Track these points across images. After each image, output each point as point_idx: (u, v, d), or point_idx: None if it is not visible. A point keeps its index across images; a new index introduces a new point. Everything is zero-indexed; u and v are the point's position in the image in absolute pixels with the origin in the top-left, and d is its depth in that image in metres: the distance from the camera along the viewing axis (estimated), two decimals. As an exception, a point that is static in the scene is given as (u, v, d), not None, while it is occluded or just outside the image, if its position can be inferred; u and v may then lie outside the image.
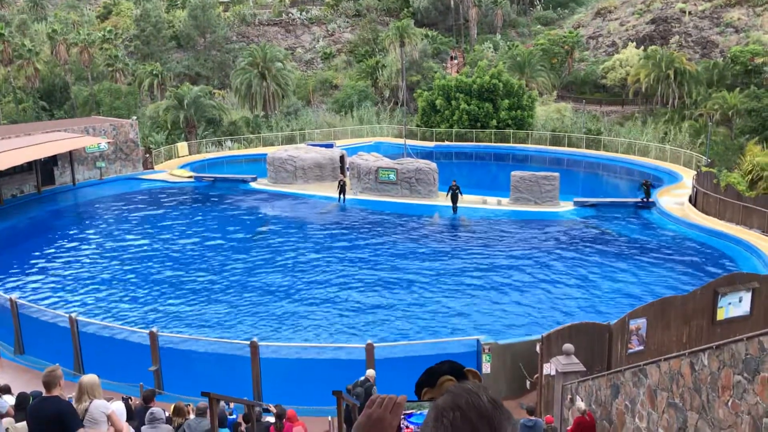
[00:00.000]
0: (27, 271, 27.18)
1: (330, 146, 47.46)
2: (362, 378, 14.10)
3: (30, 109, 61.66)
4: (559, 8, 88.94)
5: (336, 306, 23.05)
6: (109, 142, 43.65)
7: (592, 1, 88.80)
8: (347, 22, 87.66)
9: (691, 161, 44.08)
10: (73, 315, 17.86)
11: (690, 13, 71.36)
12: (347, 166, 41.64)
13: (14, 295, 20.04)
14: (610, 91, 66.61)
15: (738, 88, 54.60)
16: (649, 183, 36.23)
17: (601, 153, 50.36)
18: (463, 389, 1.89)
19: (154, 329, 16.95)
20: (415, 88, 64.82)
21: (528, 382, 16.09)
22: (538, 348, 15.34)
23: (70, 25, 79.92)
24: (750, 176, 40.77)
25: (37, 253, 29.27)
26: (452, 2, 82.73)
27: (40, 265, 27.94)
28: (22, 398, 10.13)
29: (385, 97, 69.55)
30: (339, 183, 37.96)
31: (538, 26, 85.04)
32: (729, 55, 60.75)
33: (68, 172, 42.55)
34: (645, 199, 35.32)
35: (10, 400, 10.88)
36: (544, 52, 68.57)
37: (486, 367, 16.05)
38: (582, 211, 34.81)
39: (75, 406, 7.01)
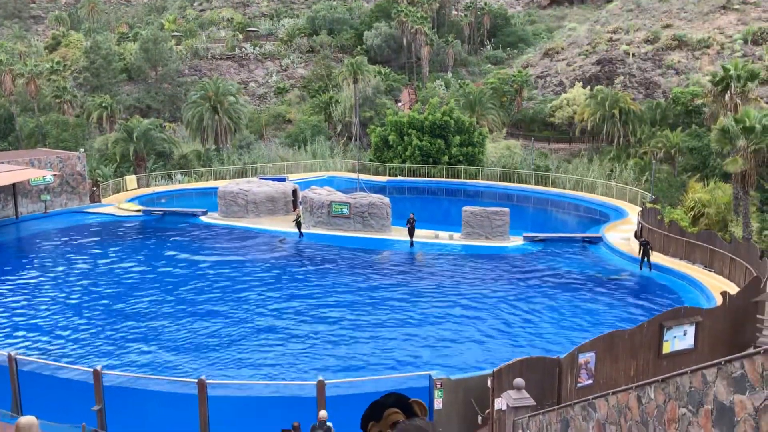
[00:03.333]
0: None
1: (282, 180, 47.31)
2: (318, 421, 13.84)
3: (-28, 141, 60.03)
4: (508, 48, 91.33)
5: (288, 342, 22.73)
6: (55, 175, 42.63)
7: (540, 41, 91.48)
8: (301, 57, 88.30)
9: (636, 198, 45.29)
10: (12, 353, 17.19)
11: (634, 55, 74.06)
12: (300, 200, 41.50)
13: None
14: (558, 129, 68.33)
15: (680, 128, 56.61)
16: (648, 245, 30.45)
17: (550, 189, 51.41)
18: (413, 426, 1.88)
19: (98, 367, 16.42)
20: (369, 124, 65.36)
21: (480, 418, 16.05)
22: (489, 383, 15.36)
23: (17, 55, 78.48)
24: (692, 212, 42.06)
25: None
26: (405, 41, 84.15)
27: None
28: (-46, 442, 9.67)
29: (338, 132, 69.92)
30: (296, 218, 37.75)
31: (488, 65, 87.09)
32: (671, 96, 63.08)
33: (11, 205, 41.32)
34: (647, 263, 30.18)
35: (-59, 443, 10.36)
36: (494, 90, 70.14)
37: (438, 403, 15.97)
38: (531, 245, 35.30)
39: (10, 449, 6.71)
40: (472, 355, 21.63)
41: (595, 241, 35.79)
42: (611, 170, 54.24)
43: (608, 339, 16.55)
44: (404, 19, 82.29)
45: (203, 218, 41.92)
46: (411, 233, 34.89)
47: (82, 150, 48.58)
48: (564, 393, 15.76)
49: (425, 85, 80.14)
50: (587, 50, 79.14)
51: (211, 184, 50.92)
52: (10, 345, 21.27)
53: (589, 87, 67.79)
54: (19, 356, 17.40)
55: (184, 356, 21.58)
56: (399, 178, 55.35)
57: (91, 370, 16.37)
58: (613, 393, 9.73)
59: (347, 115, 68.68)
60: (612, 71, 73.25)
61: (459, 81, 78.18)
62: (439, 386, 16.02)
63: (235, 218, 41.04)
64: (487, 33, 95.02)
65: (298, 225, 37.40)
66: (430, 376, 16.55)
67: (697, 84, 63.70)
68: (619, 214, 42.65)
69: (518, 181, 53.26)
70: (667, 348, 17.08)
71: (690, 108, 60.18)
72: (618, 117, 58.21)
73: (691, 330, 17.41)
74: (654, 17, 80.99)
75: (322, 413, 14.11)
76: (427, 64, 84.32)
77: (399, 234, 36.22)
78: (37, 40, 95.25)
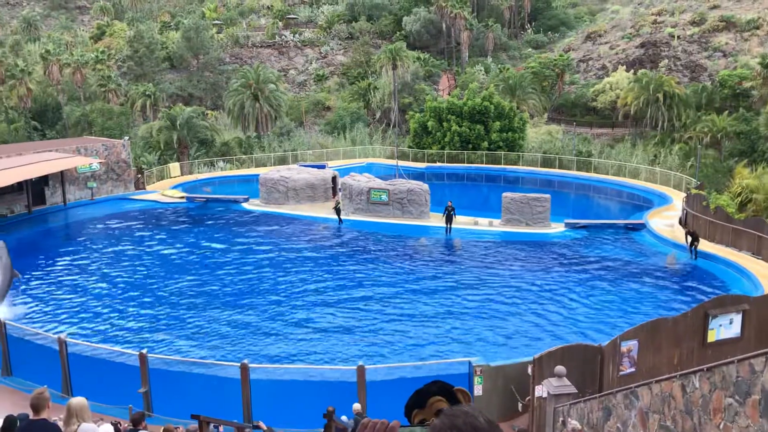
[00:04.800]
0: (16, 292, 26.95)
1: (322, 167, 47.54)
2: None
3: (22, 129, 61.57)
4: (549, 32, 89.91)
5: (329, 327, 22.94)
6: (100, 163, 43.55)
7: (582, 25, 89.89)
8: (340, 44, 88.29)
9: (680, 183, 44.39)
10: (62, 336, 17.71)
11: (679, 37, 72.28)
12: (339, 187, 41.71)
13: (3, 316, 19.88)
14: (601, 114, 67.19)
15: (726, 111, 55.19)
16: (695, 234, 29.99)
17: (592, 175, 50.65)
18: (460, 410, 1.91)
19: (144, 351, 16.82)
20: (407, 110, 65.16)
21: (520, 405, 16.02)
22: (530, 370, 15.30)
23: (64, 45, 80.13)
24: (739, 198, 41.09)
25: (26, 274, 29.05)
26: (444, 25, 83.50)
27: (29, 285, 27.73)
28: (9, 421, 10.00)
29: (377, 119, 69.89)
30: (336, 205, 37.97)
31: (529, 49, 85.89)
32: (717, 79, 61.50)
33: (59, 192, 42.39)
34: (694, 250, 29.89)
35: (-4, 422, 10.73)
36: (535, 74, 69.21)
37: (478, 390, 15.98)
38: (573, 232, 34.91)
39: (63, 429, 6.94)
40: (512, 342, 21.56)
41: (638, 227, 35.20)
42: (655, 155, 53.20)
43: (651, 327, 16.31)
44: (443, 4, 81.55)
45: (245, 205, 42.44)
46: (449, 221, 34.76)
47: (127, 138, 49.45)
48: (605, 381, 15.61)
49: (465, 70, 79.49)
50: (631, 33, 77.49)
51: (253, 171, 51.43)
52: (60, 328, 21.91)
53: (632, 71, 66.45)
54: (68, 339, 17.93)
55: (225, 339, 21.96)
56: (438, 164, 55.13)
57: (137, 353, 16.78)
58: (657, 381, 9.62)
59: (386, 102, 68.58)
60: (656, 54, 71.61)
61: (499, 66, 77.33)
62: (479, 373, 16.02)
63: (276, 205, 41.46)
64: (528, 17, 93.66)
65: (338, 211, 37.60)
66: (470, 362, 16.56)
67: (745, 66, 61.94)
68: (663, 200, 41.85)
69: (559, 167, 52.60)
70: (712, 336, 16.75)
71: (737, 91, 58.60)
72: (662, 101, 56.99)
73: (737, 318, 17.04)
74: (701, -2, 78.86)
75: (356, 406, 14.15)
76: (466, 48, 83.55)
77: (438, 220, 36.14)
78: (83, 30, 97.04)
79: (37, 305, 25.49)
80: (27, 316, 23.83)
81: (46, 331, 20.20)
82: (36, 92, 64.25)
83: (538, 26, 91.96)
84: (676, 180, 45.42)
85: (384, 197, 37.98)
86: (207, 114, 66.81)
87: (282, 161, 55.15)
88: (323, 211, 39.61)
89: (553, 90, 71.43)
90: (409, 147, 58.35)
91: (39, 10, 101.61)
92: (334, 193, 42.15)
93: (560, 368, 14.22)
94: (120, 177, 45.51)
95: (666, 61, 70.08)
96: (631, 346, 15.84)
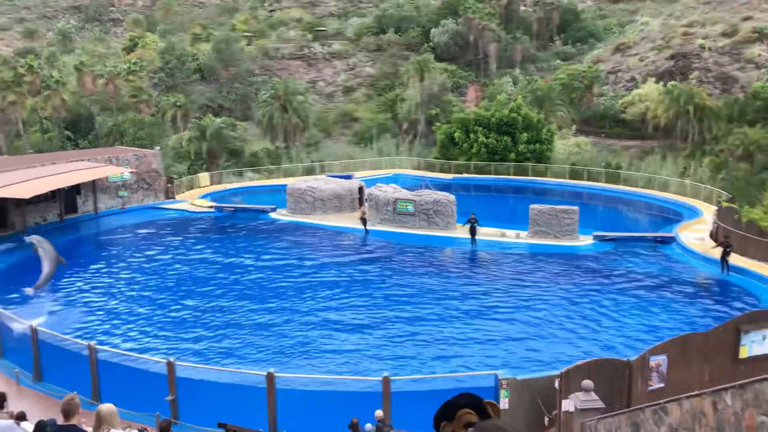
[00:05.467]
0: (47, 299, 27.39)
1: (349, 178, 47.72)
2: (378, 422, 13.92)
3: (55, 139, 62.75)
4: (578, 43, 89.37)
5: (353, 339, 22.95)
6: (131, 172, 44.17)
7: (611, 36, 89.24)
8: (368, 56, 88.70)
9: (711, 196, 43.73)
10: (92, 343, 17.94)
11: (710, 49, 71.39)
12: (366, 197, 41.83)
13: (34, 322, 20.20)
14: (630, 126, 66.49)
15: (759, 124, 54.31)
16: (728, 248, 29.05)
17: (621, 187, 50.14)
18: (492, 425, 1.91)
19: (172, 359, 16.97)
20: (434, 121, 65.18)
21: (546, 419, 15.85)
22: (557, 384, 15.15)
23: (97, 57, 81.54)
24: (772, 212, 40.32)
25: (57, 281, 29.52)
26: (472, 37, 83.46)
27: (60, 293, 28.16)
28: (39, 426, 10.14)
29: (404, 130, 70.00)
30: (362, 215, 38.08)
31: (558, 61, 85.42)
32: (750, 91, 60.57)
33: (91, 201, 43.07)
34: (726, 265, 29.21)
35: (27, 427, 10.89)
36: (564, 86, 68.76)
37: (504, 403, 15.86)
38: (602, 245, 34.56)
39: (92, 434, 7.03)
40: (539, 355, 21.37)
41: (668, 240, 34.74)
42: (685, 168, 52.52)
43: (681, 342, 16.08)
44: (472, 16, 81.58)
45: (272, 215, 42.73)
46: (473, 233, 34.63)
47: (158, 147, 50.11)
48: (634, 396, 15.40)
49: (492, 81, 79.33)
50: (661, 45, 76.70)
51: (281, 181, 51.77)
52: (90, 335, 22.18)
53: (662, 83, 65.75)
54: (98, 346, 18.16)
55: (251, 348, 22.07)
56: (465, 175, 55.02)
57: (165, 361, 16.92)
58: (687, 397, 9.47)
59: (413, 113, 68.68)
60: (686, 66, 70.76)
61: (527, 77, 77.06)
62: (505, 386, 15.90)
63: (303, 215, 41.68)
64: (557, 28, 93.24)
65: (364, 222, 37.68)
66: (496, 375, 16.45)
67: (778, 78, 60.99)
68: (694, 213, 41.26)
69: (588, 179, 52.16)
70: (744, 353, 16.45)
71: (771, 103, 57.63)
72: (693, 113, 56.30)
73: (770, 334, 16.70)
74: (733, 9, 77.83)
75: (378, 412, 14.16)
76: (494, 60, 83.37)
77: (464, 232, 36.03)
78: (116, 42, 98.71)
79: (67, 312, 25.85)
80: (58, 323, 24.17)
81: (76, 337, 20.46)
82: (70, 103, 65.38)
83: (567, 38, 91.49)
84: (707, 193, 44.76)
85: (410, 208, 37.99)
86: (236, 125, 67.46)
87: (309, 171, 55.46)
88: (350, 221, 39.72)
89: (582, 102, 70.90)
90: (436, 158, 58.33)
91: (74, 23, 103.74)
92: (361, 204, 42.28)
93: (588, 382, 14.06)
94: (150, 186, 46.09)
95: (697, 72, 69.22)
96: (660, 361, 15.62)
